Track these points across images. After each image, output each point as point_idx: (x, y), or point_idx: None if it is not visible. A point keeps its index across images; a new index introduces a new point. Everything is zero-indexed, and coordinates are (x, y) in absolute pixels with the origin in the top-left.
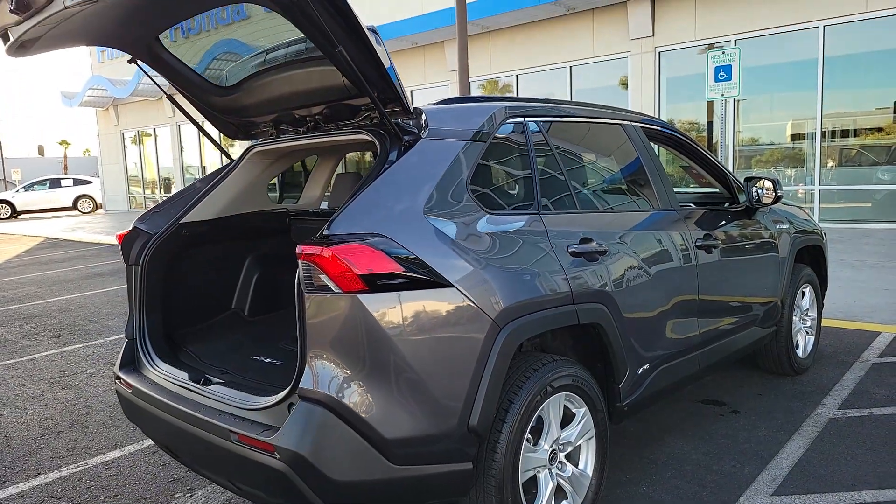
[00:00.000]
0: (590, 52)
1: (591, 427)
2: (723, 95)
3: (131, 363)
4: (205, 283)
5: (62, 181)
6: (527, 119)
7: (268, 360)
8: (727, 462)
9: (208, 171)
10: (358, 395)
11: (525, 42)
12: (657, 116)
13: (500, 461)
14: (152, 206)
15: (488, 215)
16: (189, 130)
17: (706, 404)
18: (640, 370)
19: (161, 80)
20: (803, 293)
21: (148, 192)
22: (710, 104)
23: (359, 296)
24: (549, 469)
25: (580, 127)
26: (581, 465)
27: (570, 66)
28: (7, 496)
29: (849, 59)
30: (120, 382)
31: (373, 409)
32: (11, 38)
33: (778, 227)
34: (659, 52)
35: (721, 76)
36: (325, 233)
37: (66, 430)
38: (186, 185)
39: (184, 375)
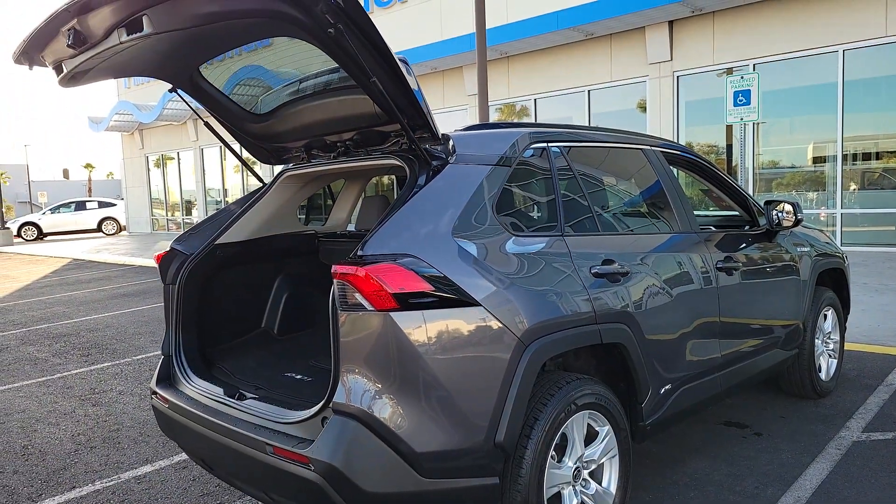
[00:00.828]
0: (608, 76)
1: (614, 445)
2: (742, 120)
3: (167, 379)
4: (237, 302)
5: (87, 204)
6: (550, 144)
7: (298, 377)
8: (749, 483)
9: (229, 194)
10: (389, 410)
11: (544, 67)
12: (676, 140)
13: (525, 476)
14: (175, 228)
15: (513, 237)
16: (211, 154)
17: (728, 426)
18: (663, 390)
19: (192, 101)
20: (825, 316)
21: (170, 214)
22: (728, 128)
23: (391, 314)
24: (573, 486)
25: (601, 151)
26: (605, 483)
27: (588, 91)
28: None
29: (869, 82)
30: (156, 398)
31: (403, 423)
32: (65, 70)
33: (799, 249)
34: (677, 77)
35: (740, 101)
36: (359, 253)
37: (99, 446)
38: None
39: (219, 391)
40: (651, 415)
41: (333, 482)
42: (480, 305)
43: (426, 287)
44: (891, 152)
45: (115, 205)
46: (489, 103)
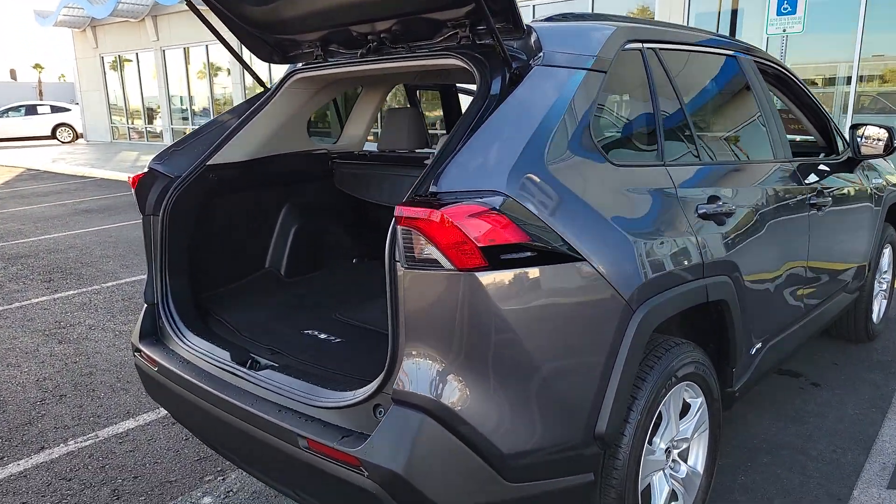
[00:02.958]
0: None
1: (706, 419)
2: (784, 31)
3: (153, 333)
4: (235, 238)
5: (39, 108)
6: (644, 45)
7: (323, 336)
8: (824, 445)
9: (195, 102)
10: (470, 400)
11: None
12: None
13: (621, 469)
14: (137, 137)
15: (615, 167)
16: (174, 57)
17: (781, 375)
18: (753, 349)
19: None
20: (883, 254)
21: (131, 122)
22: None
23: (477, 273)
24: (664, 471)
25: (695, 58)
26: (692, 462)
27: None
28: (8, 475)
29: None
30: (141, 357)
31: (488, 417)
32: None
33: (874, 181)
34: None
35: (784, 9)
36: (430, 189)
37: (70, 394)
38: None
39: (223, 354)
40: (740, 378)
41: (394, 492)
42: (585, 260)
43: (522, 237)
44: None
45: (69, 110)
46: None
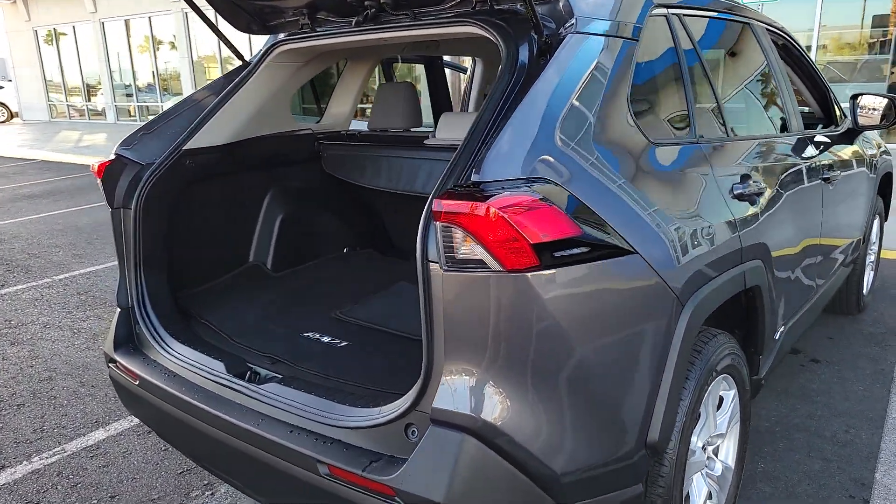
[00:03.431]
0: None
1: (738, 411)
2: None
3: (129, 341)
4: (214, 230)
5: None
6: (670, 11)
7: (326, 340)
8: (837, 426)
9: (138, 78)
10: (520, 416)
11: None
12: None
13: (667, 476)
14: (78, 116)
15: (653, 147)
16: (114, 29)
17: None
18: (777, 334)
19: None
20: (873, 225)
21: (70, 99)
22: None
23: (528, 274)
24: (702, 472)
25: (715, 25)
26: (723, 457)
27: None
28: None
29: None
30: (117, 369)
31: (540, 435)
32: None
33: (870, 151)
34: None
35: None
36: (472, 178)
37: (28, 403)
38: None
39: (217, 365)
40: (765, 365)
41: None
42: (635, 252)
43: (575, 230)
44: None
45: (2, 87)
46: None
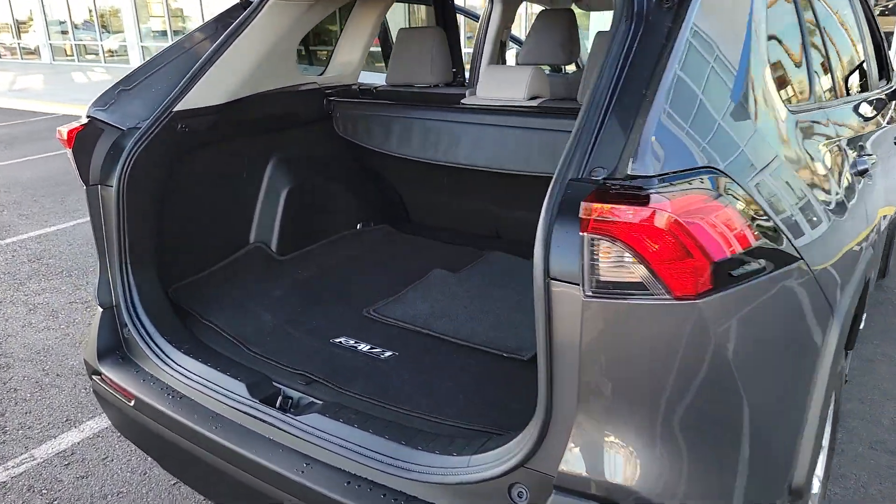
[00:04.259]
0: None
1: (834, 418)
2: None
3: (116, 348)
4: (208, 206)
5: None
6: None
7: (364, 349)
8: (893, 411)
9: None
10: (673, 478)
11: None
12: None
13: None
14: (9, 55)
15: (793, 117)
16: None
17: None
18: (862, 323)
19: None
20: None
21: None
22: None
23: (700, 302)
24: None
25: None
26: (819, 473)
27: None
28: None
29: None
30: (103, 384)
31: (691, 497)
32: None
33: None
34: None
35: None
36: (627, 170)
37: None
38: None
39: (237, 387)
40: (849, 361)
41: None
42: (801, 258)
43: (754, 238)
44: None
45: None
46: None
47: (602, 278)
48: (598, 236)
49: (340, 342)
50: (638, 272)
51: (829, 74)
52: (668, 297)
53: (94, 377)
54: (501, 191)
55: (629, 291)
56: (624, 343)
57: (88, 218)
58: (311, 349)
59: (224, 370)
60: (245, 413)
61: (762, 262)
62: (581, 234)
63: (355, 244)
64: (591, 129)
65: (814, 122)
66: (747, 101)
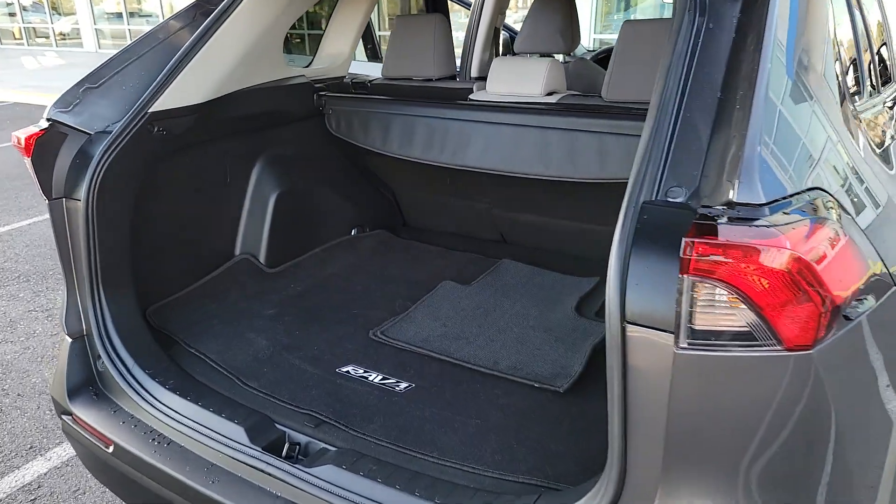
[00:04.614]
0: None
1: None
2: None
3: (89, 384)
4: (188, 216)
5: None
6: None
7: (376, 380)
8: None
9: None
10: None
11: None
12: None
13: None
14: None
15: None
16: None
17: None
18: None
19: None
20: None
21: None
22: None
23: (814, 352)
24: None
25: None
26: None
27: None
28: None
29: None
30: (76, 425)
31: None
32: None
33: None
34: None
35: None
36: (737, 195)
37: None
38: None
39: (235, 431)
40: None
41: None
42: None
43: (864, 272)
44: None
45: None
46: None
47: (698, 327)
48: (705, 279)
49: (348, 372)
50: (745, 319)
51: (874, 71)
52: (778, 347)
53: (63, 417)
54: (509, 193)
55: (731, 342)
56: (722, 401)
57: (47, 215)
58: (315, 381)
59: (218, 411)
60: (246, 464)
61: (872, 296)
62: (681, 275)
63: (351, 252)
64: (662, 142)
65: (873, 124)
66: (839, 103)
